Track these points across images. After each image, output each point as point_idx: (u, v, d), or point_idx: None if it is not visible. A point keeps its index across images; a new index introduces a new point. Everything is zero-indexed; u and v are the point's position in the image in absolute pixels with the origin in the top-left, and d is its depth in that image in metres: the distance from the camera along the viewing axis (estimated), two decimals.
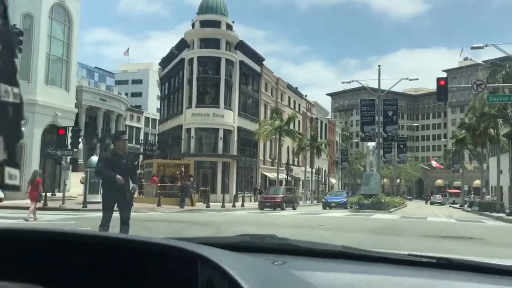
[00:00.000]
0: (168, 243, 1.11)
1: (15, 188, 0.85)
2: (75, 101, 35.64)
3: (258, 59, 47.61)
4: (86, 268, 1.14)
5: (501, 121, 33.28)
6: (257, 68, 47.11)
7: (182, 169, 34.22)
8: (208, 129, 40.45)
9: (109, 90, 61.11)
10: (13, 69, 0.85)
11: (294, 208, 31.56)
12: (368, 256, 1.41)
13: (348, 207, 34.13)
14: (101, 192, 7.95)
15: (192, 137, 40.03)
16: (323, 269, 1.22)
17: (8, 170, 0.82)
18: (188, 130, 40.50)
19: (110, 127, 59.79)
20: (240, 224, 15.03)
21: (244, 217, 20.58)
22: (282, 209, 28.72)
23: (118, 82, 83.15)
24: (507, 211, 28.06)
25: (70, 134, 24.30)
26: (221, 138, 40.15)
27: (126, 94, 70.70)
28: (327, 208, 34.26)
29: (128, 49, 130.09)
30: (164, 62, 50.45)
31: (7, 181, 0.82)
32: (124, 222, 7.46)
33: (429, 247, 9.89)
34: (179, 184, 29.55)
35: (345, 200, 36.51)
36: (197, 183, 34.33)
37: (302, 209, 31.85)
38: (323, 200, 39.61)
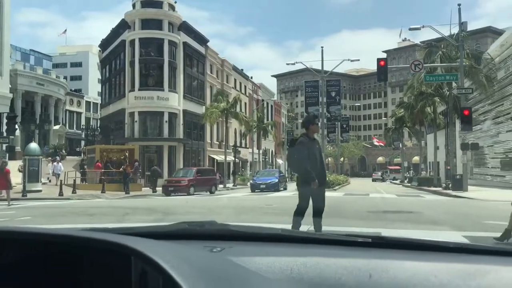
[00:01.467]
0: (99, 237, 1.06)
1: None
2: (10, 86, 33.82)
3: (203, 41, 46.97)
4: (18, 265, 1.07)
5: (437, 100, 34.86)
6: (201, 49, 46.50)
7: (127, 154, 33.46)
8: (153, 113, 39.67)
9: (47, 73, 58.42)
10: None
11: (211, 192, 27.95)
12: (306, 238, 1.42)
13: (281, 189, 30.17)
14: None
15: (136, 121, 39.14)
16: (262, 254, 1.21)
17: None
18: (132, 114, 39.54)
19: (49, 112, 57.43)
20: (188, 208, 14.95)
21: (192, 201, 20.49)
22: (189, 194, 25.07)
23: (56, 66, 79.52)
24: (443, 185, 29.61)
25: (5, 121, 23.13)
26: (166, 121, 39.51)
27: (65, 77, 67.85)
28: (256, 191, 29.08)
29: (66, 30, 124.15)
30: (104, 44, 48.69)
31: None
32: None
33: (372, 222, 10.27)
34: (122, 169, 28.84)
35: (277, 180, 30.74)
36: (142, 168, 33.72)
37: (225, 194, 27.82)
38: (250, 181, 33.28)
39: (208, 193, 27.77)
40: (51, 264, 1.08)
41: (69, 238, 1.07)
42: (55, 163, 31.08)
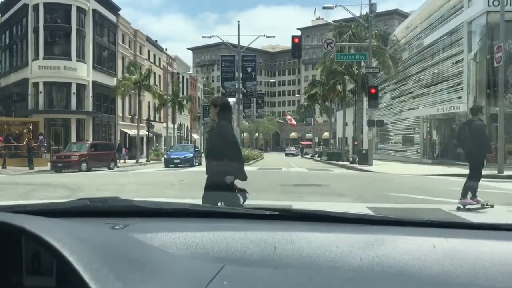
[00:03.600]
0: None
1: None
2: None
3: (114, 9, 44.76)
4: None
5: (347, 78, 36.38)
6: (113, 18, 44.32)
7: (30, 127, 31.37)
8: (59, 83, 37.37)
9: None
10: None
11: (109, 168, 26.48)
12: (214, 212, 1.40)
13: (196, 164, 29.86)
14: None
15: (41, 92, 36.71)
16: (168, 229, 1.17)
17: None
18: (36, 84, 36.99)
19: None
20: (99, 185, 14.40)
21: (103, 177, 19.80)
22: (80, 171, 23.44)
23: None
24: (351, 159, 31.22)
25: None
26: (74, 93, 37.45)
27: None
28: (171, 166, 28.78)
29: None
30: (4, 7, 44.64)
31: None
32: None
33: (284, 195, 10.60)
34: (25, 143, 27.02)
35: (192, 155, 30.41)
36: (47, 142, 31.86)
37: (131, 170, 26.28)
38: (165, 156, 32.82)
39: (107, 169, 26.24)
40: None
41: None
42: None
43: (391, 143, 40.14)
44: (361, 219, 1.36)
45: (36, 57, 37.15)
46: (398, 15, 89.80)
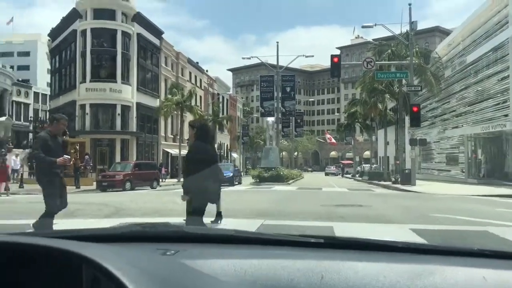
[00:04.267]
0: (48, 244, 1.04)
1: None
2: None
3: (157, 32, 46.15)
4: None
5: (388, 96, 35.88)
6: (156, 41, 45.69)
7: (77, 147, 32.48)
8: (105, 105, 38.69)
9: None
10: None
11: (152, 187, 26.68)
12: (260, 239, 1.44)
13: (236, 183, 30.08)
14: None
15: (87, 113, 38.07)
16: (216, 256, 1.22)
17: None
18: (83, 106, 38.42)
19: None
20: (142, 203, 14.70)
21: (145, 195, 20.19)
22: (124, 190, 23.53)
23: (1, 54, 75.88)
24: (393, 179, 30.55)
25: None
26: (119, 114, 38.64)
27: (12, 67, 65.00)
28: None
29: (12, 18, 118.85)
30: (54, 33, 46.92)
31: None
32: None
33: (324, 216, 10.49)
34: (72, 163, 27.88)
35: (232, 174, 30.06)
36: (93, 161, 32.86)
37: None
38: None
39: (149, 188, 26.40)
40: None
41: (15, 245, 1.05)
42: (13, 158, 29.77)
43: (435, 162, 39.08)
44: (409, 247, 1.35)
45: (83, 80, 38.64)
46: (440, 32, 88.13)
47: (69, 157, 6.96)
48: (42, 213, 6.70)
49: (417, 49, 30.55)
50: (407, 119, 31.28)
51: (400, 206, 13.30)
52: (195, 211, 5.57)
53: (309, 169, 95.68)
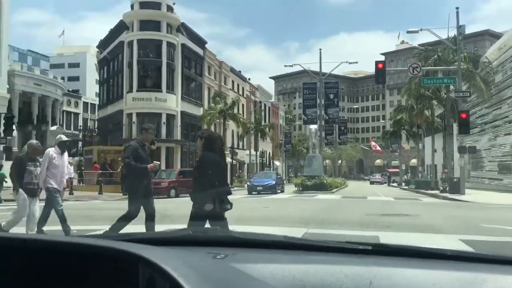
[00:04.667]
0: (108, 245, 1.10)
1: None
2: (7, 86, 33.77)
3: (201, 42, 47.04)
4: (19, 273, 1.09)
5: (435, 103, 34.94)
6: (199, 51, 46.55)
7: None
8: (151, 114, 39.67)
9: (44, 74, 58.31)
10: None
11: None
12: (308, 246, 1.44)
13: (279, 191, 30.30)
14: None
15: (134, 122, 39.14)
16: (265, 261, 1.23)
17: None
18: (129, 115, 39.55)
19: (46, 113, 57.32)
20: (184, 209, 14.91)
21: (190, 203, 20.43)
22: (169, 197, 24.07)
23: (53, 66, 79.40)
24: (441, 188, 29.65)
25: (2, 121, 23.10)
26: (164, 122, 39.54)
27: (63, 78, 67.79)
28: (253, 193, 28.40)
29: (64, 31, 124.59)
30: (103, 45, 48.71)
31: None
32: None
33: (370, 225, 10.29)
34: (119, 170, 28.71)
35: (274, 182, 30.30)
36: None
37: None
38: (247, 183, 32.74)
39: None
40: (56, 272, 1.10)
41: (77, 246, 1.09)
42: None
43: (485, 170, 37.62)
44: (458, 256, 1.33)
45: (130, 90, 39.81)
46: (489, 35, 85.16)
47: (158, 163, 7.44)
48: (121, 215, 7.00)
49: (465, 53, 29.64)
50: (455, 126, 30.33)
51: (449, 216, 12.89)
52: (199, 216, 5.69)
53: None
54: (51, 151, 8.18)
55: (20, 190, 7.69)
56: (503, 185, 32.11)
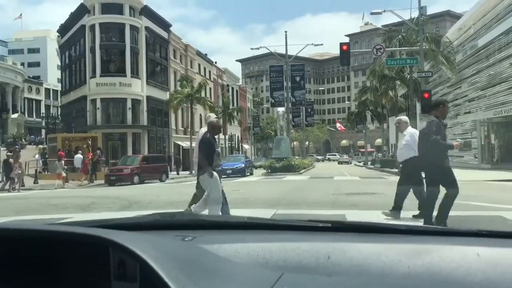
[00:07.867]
0: (79, 231, 1.14)
1: None
2: None
3: (165, 25, 46.22)
4: None
5: (398, 83, 35.65)
6: (164, 34, 45.77)
7: (89, 142, 32.85)
8: (115, 99, 38.95)
9: (2, 60, 56.31)
10: None
11: (161, 181, 26.56)
12: (271, 225, 1.52)
13: (248, 174, 30.91)
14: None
15: (98, 108, 38.38)
16: (230, 241, 1.30)
17: None
18: (94, 101, 38.73)
19: (7, 100, 55.58)
20: (153, 196, 14.88)
21: (155, 188, 20.39)
22: (132, 183, 23.60)
23: (12, 52, 76.58)
24: None
25: None
26: (129, 108, 38.89)
27: (22, 64, 65.64)
28: (223, 176, 28.85)
29: (21, 14, 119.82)
30: (63, 29, 47.25)
31: None
32: None
33: (336, 204, 10.54)
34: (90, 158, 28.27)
35: (243, 165, 31.14)
36: (105, 156, 33.19)
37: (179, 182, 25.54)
38: None
39: (159, 181, 26.32)
40: (33, 258, 1.14)
41: (52, 233, 1.14)
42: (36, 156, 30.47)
43: None
44: (410, 230, 1.43)
45: (93, 75, 38.91)
46: (450, 16, 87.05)
47: (462, 140, 6.92)
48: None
49: (427, 34, 30.23)
50: (418, 105, 31.07)
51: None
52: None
53: (319, 157, 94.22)
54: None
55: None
56: (464, 162, 33.24)
